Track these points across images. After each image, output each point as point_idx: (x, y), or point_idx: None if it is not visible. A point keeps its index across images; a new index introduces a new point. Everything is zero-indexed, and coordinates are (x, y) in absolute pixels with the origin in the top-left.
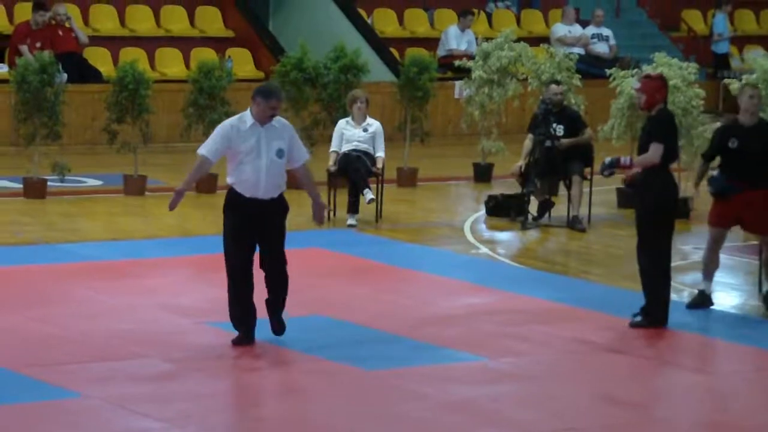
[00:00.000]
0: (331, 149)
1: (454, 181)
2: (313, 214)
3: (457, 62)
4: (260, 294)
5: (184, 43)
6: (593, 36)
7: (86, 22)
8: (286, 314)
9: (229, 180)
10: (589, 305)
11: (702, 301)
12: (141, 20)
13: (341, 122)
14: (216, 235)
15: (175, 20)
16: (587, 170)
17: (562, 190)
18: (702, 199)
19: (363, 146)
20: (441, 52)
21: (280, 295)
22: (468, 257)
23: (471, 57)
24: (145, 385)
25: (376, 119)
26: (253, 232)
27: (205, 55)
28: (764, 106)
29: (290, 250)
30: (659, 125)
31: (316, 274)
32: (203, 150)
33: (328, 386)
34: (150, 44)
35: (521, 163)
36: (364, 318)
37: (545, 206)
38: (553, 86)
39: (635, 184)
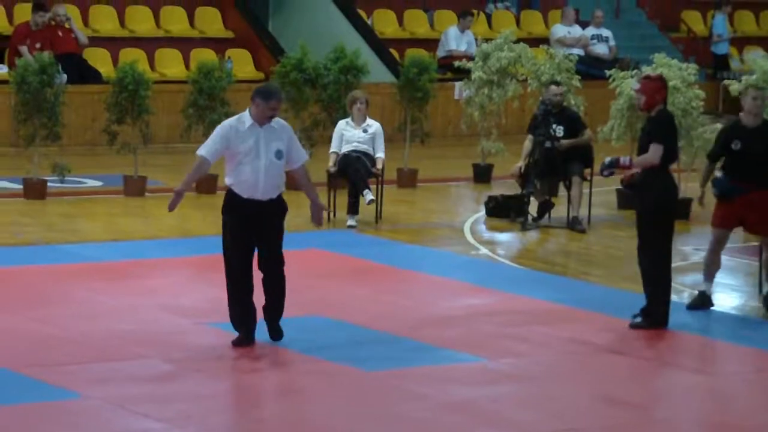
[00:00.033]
0: (331, 150)
1: (454, 182)
2: (312, 215)
3: (456, 63)
4: (260, 295)
5: (184, 44)
6: (593, 37)
7: (86, 22)
8: (284, 320)
9: (227, 181)
10: (589, 306)
11: (702, 302)
12: (141, 21)
13: (341, 123)
14: (216, 236)
15: (175, 21)
16: (587, 171)
17: (562, 191)
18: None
19: (363, 147)
20: (441, 53)
21: (277, 304)
22: (468, 258)
23: (471, 58)
24: (145, 386)
25: (375, 120)
26: (252, 233)
27: (204, 55)
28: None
29: (290, 251)
30: (659, 126)
31: (315, 274)
32: (202, 151)
33: (327, 387)
34: (150, 45)
35: (521, 164)
36: (363, 319)
37: (545, 207)
38: (553, 87)
39: (633, 185)
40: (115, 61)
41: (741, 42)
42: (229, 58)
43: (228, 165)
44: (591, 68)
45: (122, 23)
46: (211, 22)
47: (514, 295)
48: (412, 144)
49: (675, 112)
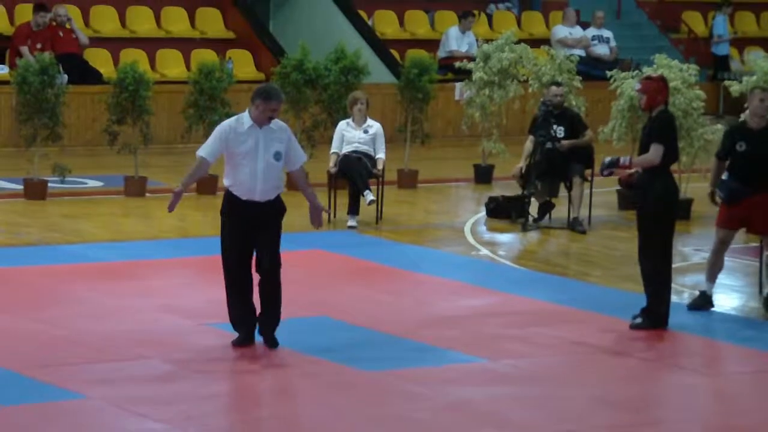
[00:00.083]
0: (332, 151)
1: (455, 182)
2: (311, 217)
3: (457, 64)
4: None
5: (185, 45)
6: (594, 38)
7: (87, 23)
8: (284, 320)
9: (226, 182)
10: (590, 307)
11: (703, 302)
12: (141, 21)
13: (342, 124)
14: (216, 237)
15: (176, 21)
16: (588, 172)
17: (563, 191)
18: (704, 200)
19: (363, 148)
20: (441, 53)
21: (272, 312)
22: (468, 259)
23: (471, 58)
24: (145, 387)
25: (376, 121)
26: (250, 234)
27: (205, 56)
28: None
29: (291, 252)
30: (660, 126)
31: (316, 275)
32: (201, 151)
33: (328, 387)
34: (150, 45)
35: (522, 164)
36: (364, 319)
37: (546, 208)
38: (554, 88)
39: (631, 184)
40: (115, 61)
41: (741, 43)
42: (229, 58)
43: (227, 166)
44: (592, 69)
45: (123, 24)
46: (211, 22)
47: (515, 295)
48: (413, 145)
49: (676, 112)
